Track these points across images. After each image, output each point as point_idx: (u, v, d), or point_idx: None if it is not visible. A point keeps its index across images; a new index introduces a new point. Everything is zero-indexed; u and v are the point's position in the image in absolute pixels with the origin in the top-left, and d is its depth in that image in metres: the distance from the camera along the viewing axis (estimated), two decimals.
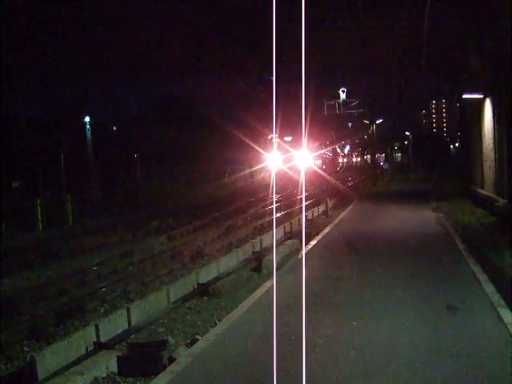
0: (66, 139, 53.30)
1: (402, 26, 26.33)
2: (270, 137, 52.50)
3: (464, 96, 29.64)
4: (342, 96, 62.46)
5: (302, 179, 38.94)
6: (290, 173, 42.51)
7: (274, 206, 32.59)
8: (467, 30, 26.61)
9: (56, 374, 8.29)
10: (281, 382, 7.25)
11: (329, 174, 74.13)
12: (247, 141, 46.96)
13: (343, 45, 29.91)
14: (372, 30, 26.52)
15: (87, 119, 48.31)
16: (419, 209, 29.13)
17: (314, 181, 46.86)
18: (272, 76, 24.84)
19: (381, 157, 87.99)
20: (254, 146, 47.52)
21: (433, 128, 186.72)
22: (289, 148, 50.38)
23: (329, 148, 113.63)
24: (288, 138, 52.90)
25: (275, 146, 47.83)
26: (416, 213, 27.54)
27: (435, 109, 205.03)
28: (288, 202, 35.46)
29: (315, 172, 49.10)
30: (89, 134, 48.04)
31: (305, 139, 44.94)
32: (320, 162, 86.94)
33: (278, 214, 28.26)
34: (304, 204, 31.29)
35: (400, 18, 25.50)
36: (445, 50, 28.81)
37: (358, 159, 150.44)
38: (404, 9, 24.14)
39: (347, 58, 35.52)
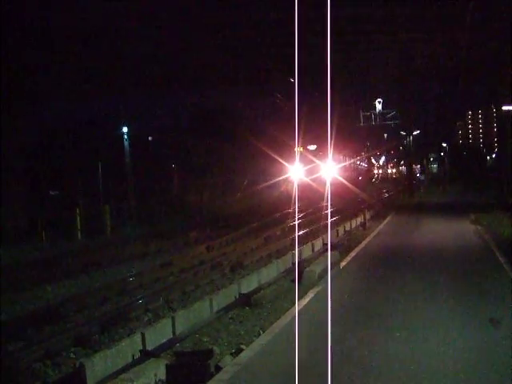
0: (103, 149, 53.91)
1: (441, 37, 26.20)
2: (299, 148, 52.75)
3: (504, 108, 29.41)
4: (378, 107, 62.37)
5: (327, 191, 39.04)
6: (314, 184, 43.22)
7: (305, 218, 32.87)
8: (506, 40, 26.42)
9: (105, 380, 8.43)
10: None
11: (362, 186, 73.90)
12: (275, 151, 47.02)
13: (381, 55, 29.82)
14: (410, 40, 26.43)
15: (125, 129, 48.77)
16: (457, 221, 28.91)
17: (341, 193, 46.56)
18: (293, 79, 24.96)
19: (416, 168, 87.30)
20: (278, 157, 47.24)
21: (469, 139, 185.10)
22: (314, 159, 51.34)
23: (363, 159, 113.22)
24: (312, 147, 52.79)
25: (297, 156, 49.15)
26: (454, 225, 27.35)
27: (471, 119, 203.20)
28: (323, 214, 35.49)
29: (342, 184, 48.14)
30: (126, 144, 48.48)
31: (331, 149, 45.36)
32: (350, 173, 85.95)
33: (315, 226, 28.27)
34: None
35: (439, 29, 25.38)
36: (483, 61, 28.60)
37: (394, 170, 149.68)
38: (442, 19, 23.99)
39: (384, 68, 35.40)
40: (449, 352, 8.79)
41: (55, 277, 18.69)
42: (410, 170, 63.91)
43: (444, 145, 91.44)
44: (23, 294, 16.29)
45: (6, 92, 30.91)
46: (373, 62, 32.54)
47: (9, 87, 30.38)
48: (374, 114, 62.70)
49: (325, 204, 36.04)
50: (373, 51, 29.18)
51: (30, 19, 20.05)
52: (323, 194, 35.86)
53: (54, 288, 17.15)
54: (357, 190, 50.24)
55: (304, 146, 50.42)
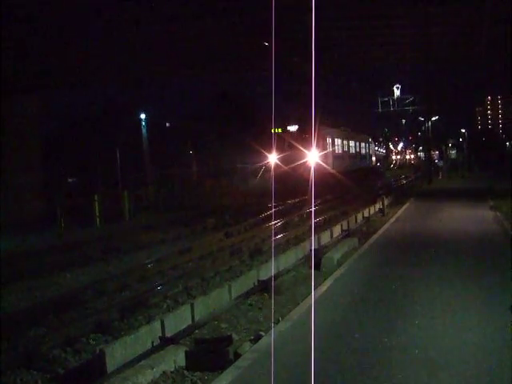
0: (121, 136, 54.10)
1: (460, 21, 25.84)
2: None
3: None
4: (397, 93, 61.98)
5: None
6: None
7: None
8: None
9: (125, 367, 8.46)
10: (346, 379, 7.33)
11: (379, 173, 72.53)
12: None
13: (399, 39, 29.50)
14: (429, 22, 26.09)
15: (142, 116, 48.88)
16: (476, 207, 28.69)
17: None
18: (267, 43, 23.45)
19: (435, 154, 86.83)
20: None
21: (488, 125, 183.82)
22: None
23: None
24: (293, 128, 44.49)
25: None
26: (473, 211, 27.14)
27: (491, 105, 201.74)
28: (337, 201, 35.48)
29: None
30: (144, 130, 48.62)
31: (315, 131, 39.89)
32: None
33: (333, 213, 28.21)
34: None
35: (458, 14, 25.03)
36: (503, 44, 28.19)
37: (412, 156, 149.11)
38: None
39: (403, 53, 35.09)
40: (468, 338, 8.74)
41: (74, 263, 18.78)
42: (429, 156, 63.48)
43: (463, 130, 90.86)
44: (43, 281, 16.40)
45: (24, 80, 31.05)
46: (391, 46, 32.19)
47: (27, 75, 30.49)
48: (393, 100, 62.28)
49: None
50: (391, 36, 28.84)
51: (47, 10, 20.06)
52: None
53: (73, 275, 17.25)
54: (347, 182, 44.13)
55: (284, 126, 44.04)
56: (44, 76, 31.74)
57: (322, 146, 43.72)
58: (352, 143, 57.95)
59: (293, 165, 38.80)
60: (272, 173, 40.41)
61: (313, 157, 37.39)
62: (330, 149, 47.14)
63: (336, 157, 49.33)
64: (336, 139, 50.63)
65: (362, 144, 64.33)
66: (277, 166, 39.03)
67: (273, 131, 43.49)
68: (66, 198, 36.11)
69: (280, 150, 40.31)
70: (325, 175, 40.09)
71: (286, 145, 41.57)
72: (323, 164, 41.57)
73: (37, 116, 36.20)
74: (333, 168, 45.31)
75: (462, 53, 33.32)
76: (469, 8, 22.01)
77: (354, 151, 59.04)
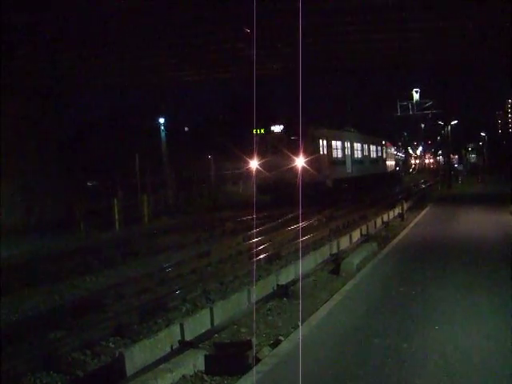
0: (141, 140, 54.36)
1: (480, 21, 25.48)
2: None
3: None
4: (416, 96, 61.76)
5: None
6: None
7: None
8: None
9: (144, 370, 8.47)
10: None
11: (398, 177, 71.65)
12: None
13: (417, 43, 29.28)
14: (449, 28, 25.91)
15: (161, 120, 49.07)
16: (497, 213, 28.44)
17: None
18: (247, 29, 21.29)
19: (454, 158, 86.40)
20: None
21: (509, 128, 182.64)
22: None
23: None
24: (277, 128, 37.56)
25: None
26: (494, 216, 26.95)
27: (511, 108, 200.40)
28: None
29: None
30: (163, 134, 48.79)
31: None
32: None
33: (351, 218, 28.11)
34: None
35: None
36: None
37: (431, 161, 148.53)
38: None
39: (423, 57, 34.90)
40: (489, 346, 8.67)
41: (94, 266, 18.87)
42: (448, 161, 63.21)
43: (483, 134, 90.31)
44: (62, 284, 16.46)
45: (43, 83, 31.25)
46: (411, 50, 32.02)
47: (46, 78, 30.69)
48: (412, 104, 62.07)
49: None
50: (410, 40, 28.69)
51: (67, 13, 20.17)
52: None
53: (92, 278, 17.30)
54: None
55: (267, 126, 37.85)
56: (64, 80, 31.96)
57: (311, 149, 37.19)
58: (358, 146, 51.86)
59: (274, 171, 35.05)
60: (253, 179, 36.47)
61: (299, 162, 34.49)
62: (324, 152, 40.26)
63: (333, 162, 43.00)
64: (334, 141, 43.72)
65: (373, 147, 58.70)
66: (257, 171, 35.67)
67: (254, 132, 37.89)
68: (85, 201, 36.30)
69: (261, 154, 36.31)
70: (316, 184, 36.59)
71: (269, 148, 36.91)
72: (312, 170, 35.91)
73: (56, 119, 36.41)
74: (329, 175, 40.62)
75: (482, 55, 33.01)
76: (490, 8, 21.71)
77: (360, 155, 52.39)
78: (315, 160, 37.06)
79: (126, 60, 27.45)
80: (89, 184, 56.26)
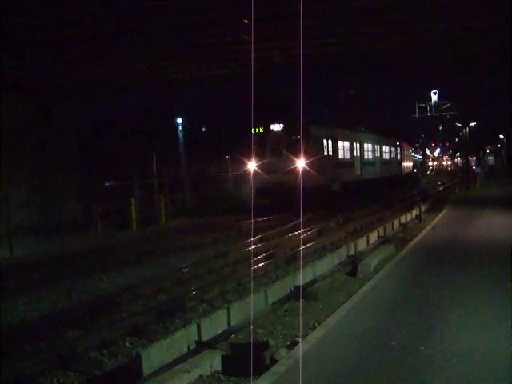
0: (158, 140, 54.48)
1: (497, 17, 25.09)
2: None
3: None
4: (434, 98, 61.43)
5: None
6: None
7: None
8: None
9: (161, 370, 8.46)
10: None
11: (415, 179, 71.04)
12: None
13: (436, 44, 29.00)
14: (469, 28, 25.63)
15: (179, 121, 49.15)
16: None
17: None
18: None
19: (472, 160, 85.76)
20: None
21: None
22: None
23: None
24: (277, 127, 35.15)
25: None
26: None
27: None
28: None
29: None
30: (181, 135, 48.88)
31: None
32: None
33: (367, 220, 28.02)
34: None
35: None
36: None
37: (449, 162, 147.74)
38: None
39: (440, 58, 34.62)
40: (508, 350, 8.57)
41: (111, 266, 18.91)
42: (466, 162, 62.83)
43: (501, 136, 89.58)
44: (80, 283, 16.52)
45: (60, 82, 31.36)
46: (429, 52, 31.78)
47: (66, 80, 30.80)
48: (429, 105, 61.73)
49: None
50: (430, 40, 28.46)
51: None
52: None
53: (109, 277, 17.34)
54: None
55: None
56: (84, 81, 32.05)
57: (314, 149, 35.58)
58: (369, 146, 49.82)
59: (274, 174, 33.08)
60: (251, 183, 33.54)
61: (300, 164, 32.11)
62: (327, 153, 38.24)
63: (340, 164, 41.05)
64: (341, 142, 41.54)
65: (386, 148, 57.01)
66: (256, 174, 32.94)
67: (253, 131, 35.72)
68: (102, 201, 36.40)
69: (259, 154, 34.00)
70: (319, 187, 34.69)
71: (268, 148, 34.94)
72: (314, 173, 33.53)
73: (74, 119, 36.57)
74: (334, 177, 39.12)
75: (501, 53, 32.66)
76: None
77: (371, 156, 50.50)
78: (318, 161, 35.04)
79: (140, 57, 27.28)
80: (106, 184, 56.41)
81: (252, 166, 33.17)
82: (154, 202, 34.76)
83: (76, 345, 10.43)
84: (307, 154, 33.12)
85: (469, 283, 13.25)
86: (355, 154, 45.13)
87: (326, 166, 37.34)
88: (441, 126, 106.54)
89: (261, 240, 23.00)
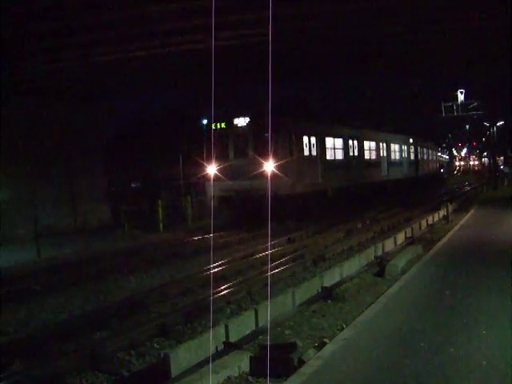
0: (184, 141, 54.58)
1: None
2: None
3: None
4: (461, 97, 60.93)
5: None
6: None
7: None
8: None
9: (189, 371, 8.48)
10: None
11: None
12: None
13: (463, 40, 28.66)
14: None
15: (204, 122, 49.21)
16: None
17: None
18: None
19: (500, 160, 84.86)
20: None
21: None
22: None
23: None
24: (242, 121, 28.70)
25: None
26: None
27: None
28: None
29: None
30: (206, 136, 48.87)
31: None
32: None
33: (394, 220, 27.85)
34: None
35: None
36: None
37: (476, 162, 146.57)
38: None
39: (468, 57, 34.27)
40: None
41: (139, 267, 19.01)
42: (494, 162, 62.26)
43: None
44: (108, 284, 16.63)
45: (87, 85, 31.60)
46: (455, 50, 31.50)
47: (93, 82, 31.02)
48: (456, 105, 61.21)
49: None
50: (454, 40, 28.21)
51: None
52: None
53: (137, 278, 17.44)
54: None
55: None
56: (109, 83, 32.27)
57: (289, 149, 29.75)
58: (366, 145, 42.31)
59: (237, 179, 27.55)
60: (211, 190, 28.83)
61: (269, 167, 26.14)
62: (305, 153, 31.67)
63: (329, 166, 34.57)
64: (330, 139, 35.44)
65: (395, 146, 50.16)
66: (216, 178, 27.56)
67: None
68: (129, 202, 36.62)
69: (220, 156, 28.67)
70: (292, 196, 29.34)
71: (231, 148, 29.29)
72: (286, 178, 27.90)
73: (102, 122, 36.79)
74: (327, 183, 33.74)
75: None
76: None
77: (373, 156, 44.15)
78: (294, 163, 29.68)
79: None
80: (133, 185, 56.66)
81: (211, 169, 28.00)
82: (180, 203, 34.85)
83: (104, 345, 10.48)
84: (279, 155, 27.76)
85: (498, 284, 13.09)
86: (353, 153, 39.47)
87: (309, 168, 31.83)
88: (468, 126, 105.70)
89: (288, 240, 22.96)
